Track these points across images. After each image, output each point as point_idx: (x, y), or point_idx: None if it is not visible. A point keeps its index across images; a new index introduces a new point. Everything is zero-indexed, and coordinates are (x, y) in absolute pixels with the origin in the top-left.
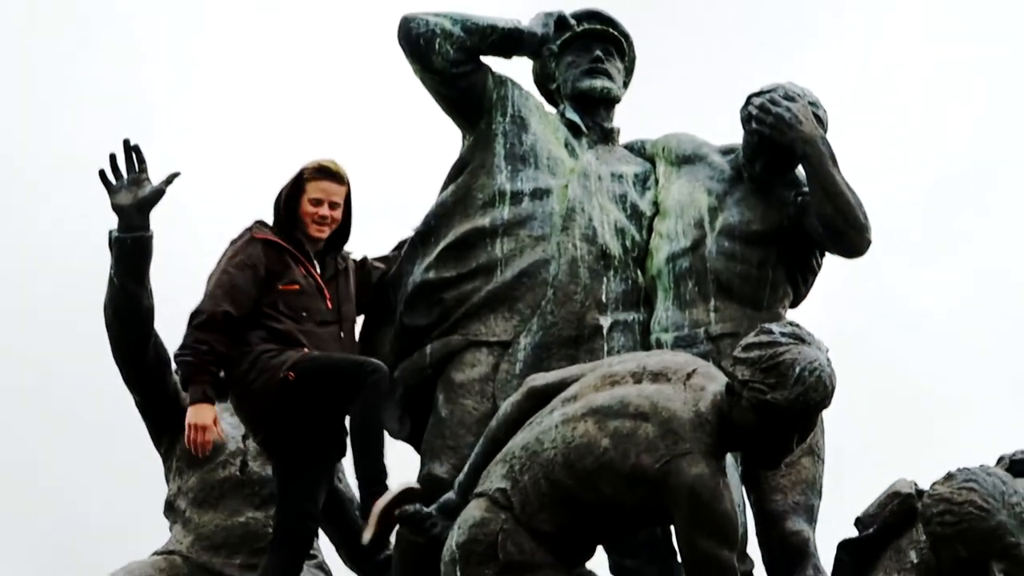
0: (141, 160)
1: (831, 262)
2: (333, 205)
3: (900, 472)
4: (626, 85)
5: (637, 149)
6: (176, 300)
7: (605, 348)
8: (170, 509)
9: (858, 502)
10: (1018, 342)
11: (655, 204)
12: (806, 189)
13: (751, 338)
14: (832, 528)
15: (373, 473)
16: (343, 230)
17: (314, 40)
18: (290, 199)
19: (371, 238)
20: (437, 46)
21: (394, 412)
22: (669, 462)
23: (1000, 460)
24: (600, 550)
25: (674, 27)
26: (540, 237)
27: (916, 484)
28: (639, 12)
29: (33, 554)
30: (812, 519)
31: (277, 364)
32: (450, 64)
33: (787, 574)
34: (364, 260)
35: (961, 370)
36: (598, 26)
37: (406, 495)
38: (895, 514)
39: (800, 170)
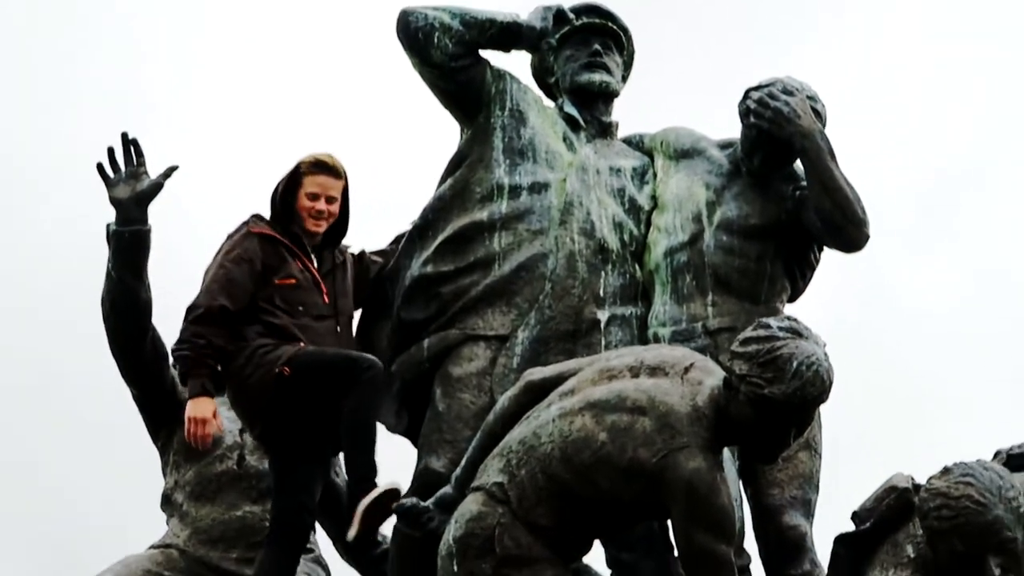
0: (139, 154)
1: (829, 257)
2: (330, 199)
3: (897, 466)
4: (624, 79)
5: (635, 143)
6: (174, 294)
7: (603, 342)
8: (167, 503)
9: (855, 496)
10: (1015, 337)
11: (653, 198)
12: (804, 183)
13: (749, 332)
14: (829, 522)
15: (362, 470)
16: (340, 224)
17: (312, 34)
18: (286, 193)
19: (370, 236)
20: (436, 40)
21: (391, 406)
22: (666, 456)
23: (997, 454)
24: (597, 544)
25: (673, 21)
26: (538, 231)
27: (913, 478)
28: (638, 6)
29: (33, 554)
30: (809, 513)
31: (272, 359)
32: (449, 58)
33: (784, 568)
34: (362, 254)
35: (958, 365)
36: (597, 20)
37: (389, 495)
38: (892, 508)
39: (798, 164)
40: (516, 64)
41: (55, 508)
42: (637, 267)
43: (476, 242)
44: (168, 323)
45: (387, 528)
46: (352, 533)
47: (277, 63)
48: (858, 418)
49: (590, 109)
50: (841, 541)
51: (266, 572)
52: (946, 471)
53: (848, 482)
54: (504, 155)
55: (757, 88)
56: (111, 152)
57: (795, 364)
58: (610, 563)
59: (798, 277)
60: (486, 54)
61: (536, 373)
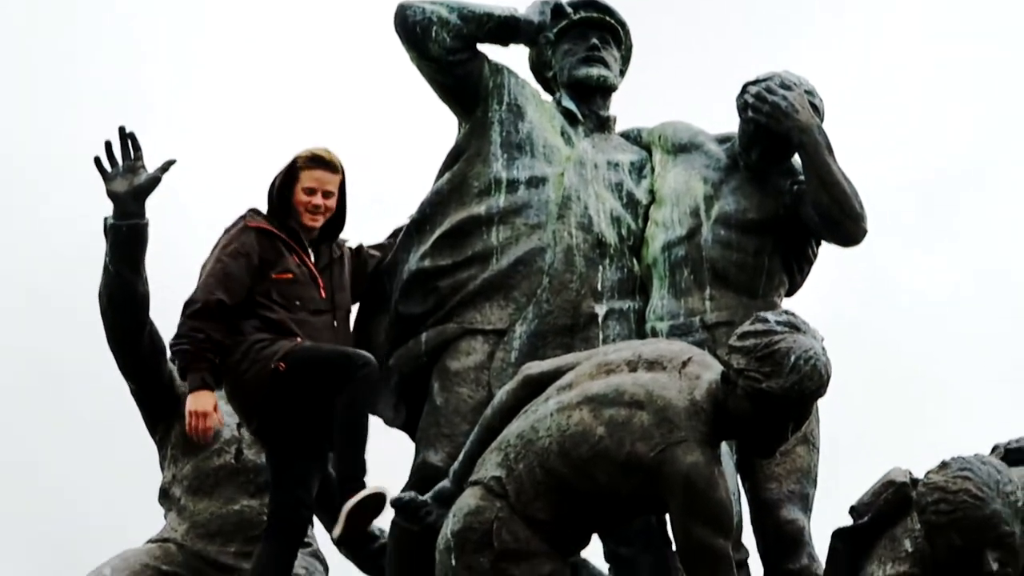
0: (137, 147)
1: (827, 251)
2: (327, 194)
3: (895, 461)
4: (622, 73)
5: (633, 137)
6: (171, 288)
7: (600, 336)
8: (165, 497)
9: (853, 491)
10: (1014, 333)
11: (651, 192)
12: (802, 178)
13: (747, 327)
14: (827, 517)
15: (351, 469)
16: (337, 219)
17: (310, 27)
18: (283, 187)
19: (367, 231)
20: (434, 34)
21: (389, 400)
22: (664, 450)
23: (995, 449)
24: (595, 538)
25: (671, 15)
26: (536, 225)
27: (911, 473)
28: (636, 1)
29: (32, 552)
30: (807, 508)
31: (268, 355)
32: (446, 52)
33: (782, 562)
34: (360, 248)
35: (956, 360)
36: (595, 14)
37: (375, 499)
38: (890, 503)
39: (796, 159)
40: (514, 58)
41: (54, 506)
42: (635, 261)
43: (474, 236)
44: (166, 317)
45: (385, 522)
46: (336, 532)
47: (275, 57)
48: (856, 413)
49: (588, 103)
50: (839, 535)
51: (264, 566)
52: (944, 465)
53: (846, 476)
54: (502, 149)
55: (755, 83)
56: (108, 146)
57: (793, 358)
58: (608, 557)
59: (796, 271)
60: (484, 48)
61: (534, 367)
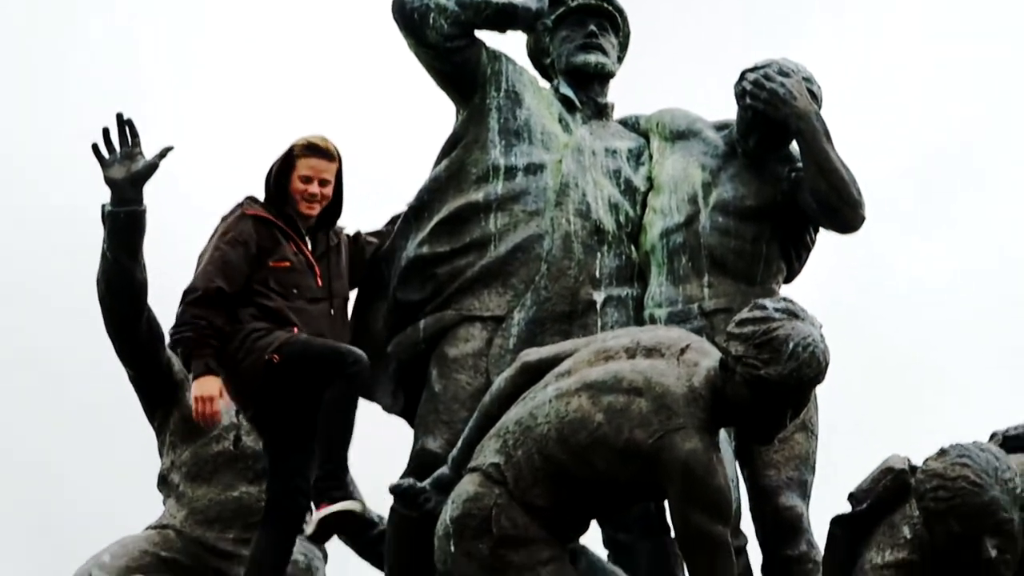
0: (134, 134)
1: (825, 239)
2: (323, 182)
3: (893, 448)
4: (620, 60)
5: (631, 124)
6: (169, 275)
7: (599, 323)
8: (163, 483)
9: (851, 478)
10: (1012, 320)
11: (649, 179)
12: (800, 165)
13: (745, 313)
14: (825, 503)
15: (332, 465)
16: (334, 207)
17: (309, 15)
18: (280, 175)
19: (365, 218)
20: (431, 20)
21: (387, 387)
22: (663, 437)
23: (993, 436)
24: (594, 525)
25: (668, 2)
26: (534, 212)
27: (909, 460)
28: None
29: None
30: (805, 494)
31: (264, 345)
32: (444, 38)
33: (780, 549)
34: (357, 235)
35: (954, 348)
36: (592, 1)
37: (346, 516)
38: (888, 490)
39: (794, 146)
40: (512, 45)
41: (52, 493)
42: (633, 248)
43: (472, 223)
44: (164, 304)
45: (384, 508)
46: (308, 532)
47: (273, 44)
48: (854, 400)
49: (586, 90)
50: (838, 522)
51: (263, 552)
52: (942, 452)
53: (844, 463)
54: (500, 136)
55: (753, 69)
56: (106, 133)
57: (791, 345)
58: (607, 544)
59: (794, 258)
60: (482, 35)
61: (532, 354)
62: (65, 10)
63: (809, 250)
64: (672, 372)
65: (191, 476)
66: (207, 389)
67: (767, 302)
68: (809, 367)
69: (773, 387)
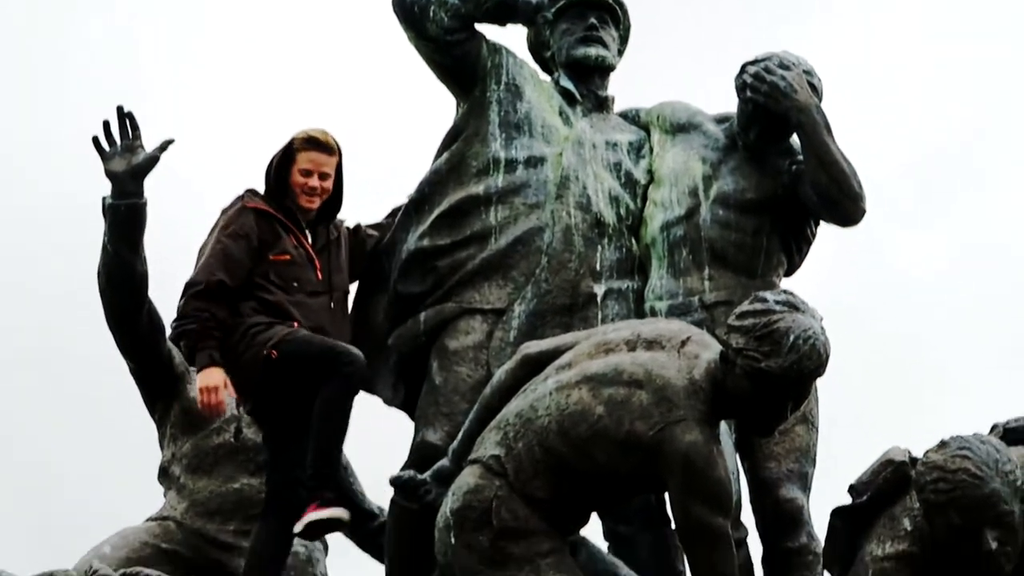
0: (135, 127)
1: (826, 232)
2: (323, 176)
3: (894, 440)
4: (621, 53)
5: (631, 117)
6: (170, 267)
7: (599, 316)
8: (164, 475)
9: (851, 470)
10: (1012, 313)
11: (649, 172)
12: (800, 158)
13: (745, 306)
14: (826, 496)
15: (322, 464)
16: (335, 200)
17: (309, 8)
18: (280, 168)
19: (365, 211)
20: (431, 13)
21: (388, 379)
22: (663, 429)
23: (994, 428)
24: (594, 517)
25: None
26: (534, 205)
27: (910, 452)
28: None
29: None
30: (806, 486)
31: (262, 340)
32: (444, 31)
33: (781, 541)
34: (358, 227)
35: (955, 340)
36: None
37: (334, 524)
38: (889, 482)
39: (795, 139)
40: (512, 38)
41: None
42: (633, 241)
43: (472, 216)
44: (164, 296)
45: (384, 500)
46: (296, 529)
47: (274, 35)
48: (855, 392)
49: (586, 83)
50: (838, 514)
51: (263, 545)
52: (943, 445)
53: (845, 456)
54: (500, 129)
55: (753, 62)
56: (107, 126)
57: (792, 338)
58: (607, 536)
59: (794, 251)
60: (482, 28)
61: (533, 347)
62: (65, 10)
63: (810, 243)
64: (673, 364)
65: (192, 468)
66: (212, 380)
67: (768, 295)
68: (810, 359)
69: (774, 379)
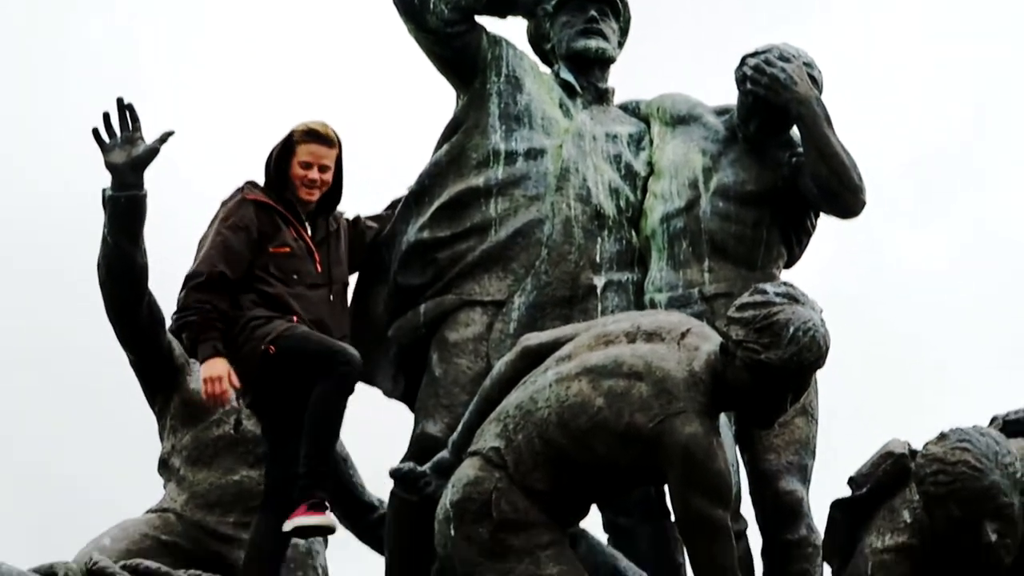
0: (135, 119)
1: (826, 224)
2: (323, 168)
3: (893, 432)
4: (621, 45)
5: (631, 109)
6: (170, 259)
7: (599, 308)
8: (164, 467)
9: (851, 462)
10: (1012, 306)
11: (649, 164)
12: (800, 150)
13: (745, 298)
14: (826, 488)
15: (316, 463)
16: (334, 192)
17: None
18: (280, 160)
19: (365, 202)
20: (432, 5)
21: (388, 371)
22: (663, 421)
23: (993, 420)
24: (594, 509)
25: None
26: (534, 197)
27: (909, 444)
28: None
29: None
30: (805, 479)
31: (261, 335)
32: (444, 23)
33: (780, 533)
34: (357, 219)
35: (955, 332)
36: None
37: (324, 531)
38: (888, 474)
39: (795, 131)
40: (512, 30)
41: (52, 477)
42: (633, 233)
43: (472, 208)
44: (164, 288)
45: (384, 492)
46: (286, 528)
47: (274, 27)
48: (855, 384)
49: (586, 75)
50: (838, 506)
51: (263, 536)
52: (942, 437)
53: (845, 448)
54: (500, 121)
55: (754, 54)
56: (107, 117)
57: (792, 329)
58: (607, 528)
59: (794, 243)
60: (482, 20)
61: (533, 338)
62: (65, 10)
63: (810, 235)
64: (672, 356)
65: (192, 460)
66: (216, 370)
67: (767, 286)
68: (809, 351)
69: (773, 371)
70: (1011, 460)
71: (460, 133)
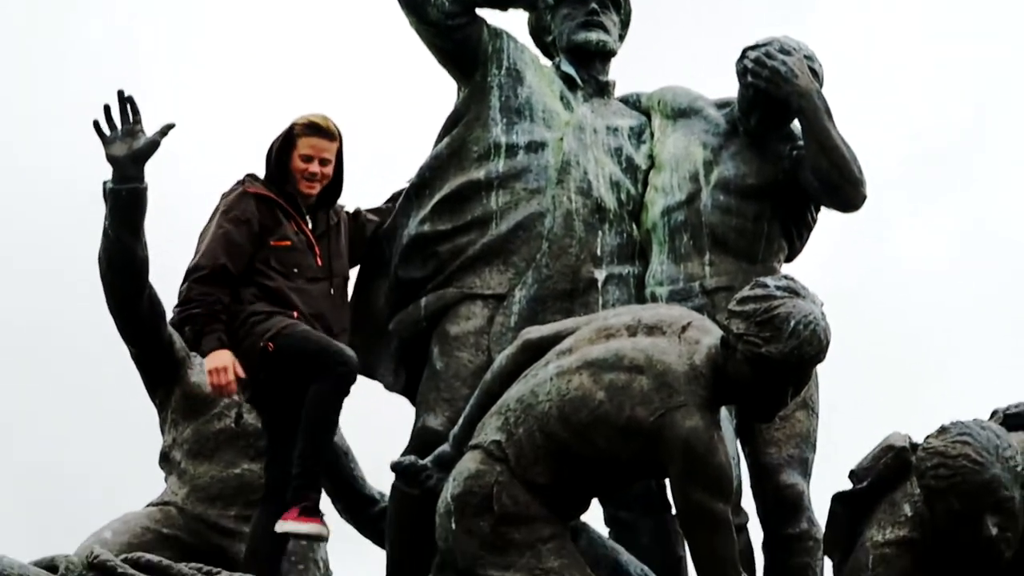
0: (135, 111)
1: (827, 217)
2: (323, 161)
3: (894, 426)
4: (622, 38)
5: (632, 102)
6: (171, 252)
7: (600, 301)
8: (165, 460)
9: (852, 455)
10: (1013, 299)
11: (650, 157)
12: (801, 143)
13: (746, 291)
14: (826, 481)
15: (310, 463)
16: (335, 185)
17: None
18: (281, 153)
19: (366, 196)
20: None
21: (389, 365)
22: (664, 415)
23: (994, 414)
24: (595, 502)
25: None
26: (535, 190)
27: (910, 438)
28: None
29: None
30: (806, 472)
31: (261, 331)
32: (445, 16)
33: (781, 527)
34: (357, 212)
35: (955, 326)
36: None
37: (310, 538)
38: (889, 467)
39: (796, 124)
40: (513, 23)
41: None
42: (634, 226)
43: (473, 201)
44: (165, 281)
45: (385, 486)
46: (277, 530)
47: (274, 19)
48: (855, 377)
49: (587, 68)
50: (839, 499)
51: (264, 528)
52: (943, 430)
53: (845, 441)
54: (501, 114)
55: (755, 47)
56: (107, 110)
57: (792, 323)
58: (608, 521)
59: (795, 237)
60: (483, 12)
61: (534, 332)
62: (65, 10)
63: (810, 229)
64: (673, 350)
65: (193, 453)
66: (221, 361)
67: (768, 280)
68: (810, 345)
69: (774, 365)
70: (1012, 454)
71: (461, 126)
